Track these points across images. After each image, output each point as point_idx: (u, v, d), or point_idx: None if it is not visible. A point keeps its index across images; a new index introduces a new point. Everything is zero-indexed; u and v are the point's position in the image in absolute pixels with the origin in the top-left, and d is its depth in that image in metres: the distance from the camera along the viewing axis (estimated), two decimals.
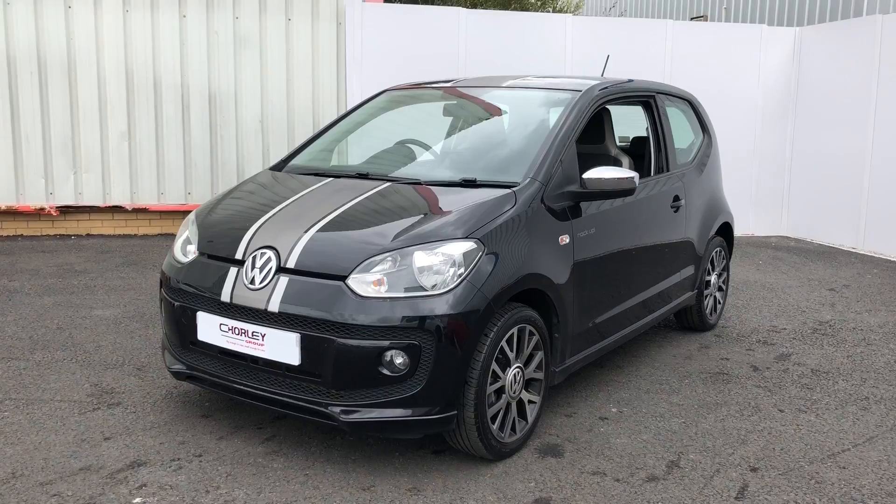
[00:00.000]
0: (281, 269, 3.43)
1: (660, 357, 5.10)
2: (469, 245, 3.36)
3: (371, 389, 3.25)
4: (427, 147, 4.77)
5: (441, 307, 3.22)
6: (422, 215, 3.54)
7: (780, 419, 4.13)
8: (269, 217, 3.73)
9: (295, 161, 4.58)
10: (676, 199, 4.98)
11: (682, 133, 5.48)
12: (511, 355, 3.51)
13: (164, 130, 9.03)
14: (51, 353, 4.84)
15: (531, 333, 3.63)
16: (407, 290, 3.24)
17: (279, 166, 4.55)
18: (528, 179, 3.78)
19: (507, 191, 3.70)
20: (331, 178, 4.14)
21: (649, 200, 4.68)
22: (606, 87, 4.55)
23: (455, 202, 3.65)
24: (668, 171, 5.04)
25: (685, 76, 9.39)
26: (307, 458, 3.53)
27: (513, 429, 3.60)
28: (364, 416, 3.24)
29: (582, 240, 3.93)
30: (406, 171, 4.31)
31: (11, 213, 8.77)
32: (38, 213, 8.81)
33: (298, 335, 3.28)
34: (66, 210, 8.88)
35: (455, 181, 3.89)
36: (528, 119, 4.43)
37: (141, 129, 8.98)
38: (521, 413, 3.68)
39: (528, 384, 3.72)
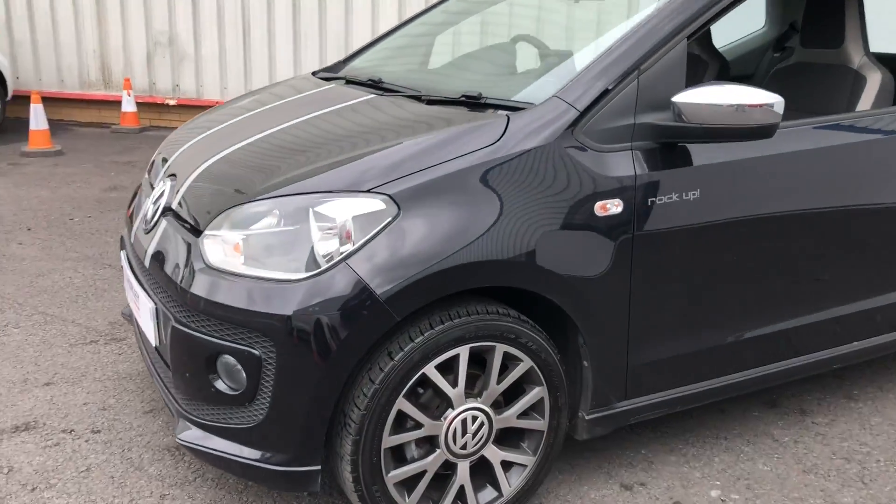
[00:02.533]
0: (168, 209, 2.45)
1: (888, 405, 3.09)
2: (371, 204, 2.03)
3: (208, 406, 2.17)
4: (541, 46, 3.29)
5: (290, 301, 1.98)
6: (358, 147, 2.25)
7: None
8: (209, 133, 2.75)
9: (355, 62, 3.45)
10: None
11: None
12: (450, 391, 2.14)
13: None
14: None
15: (512, 358, 2.19)
16: (262, 265, 2.05)
17: (334, 67, 3.47)
18: (550, 99, 2.23)
19: (497, 116, 2.22)
20: (331, 85, 2.97)
21: (866, 149, 2.67)
22: None
23: (415, 129, 2.29)
24: None
25: None
26: (191, 465, 2.60)
27: (463, 501, 2.25)
28: (194, 440, 2.19)
29: (663, 208, 2.27)
30: (425, 81, 2.95)
31: None
32: None
33: (154, 306, 2.32)
34: None
35: (453, 98, 2.48)
36: (641, 6, 2.72)
37: None
38: (492, 480, 2.30)
39: (510, 436, 2.30)
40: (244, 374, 2.05)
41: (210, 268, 2.11)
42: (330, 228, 2.01)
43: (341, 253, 1.99)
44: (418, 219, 2.02)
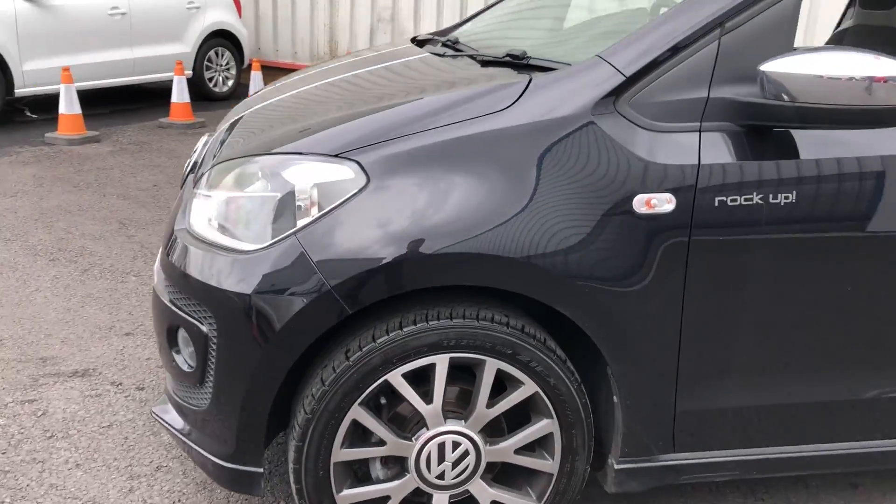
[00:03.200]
0: (195, 166, 2.30)
1: None
2: (338, 171, 1.70)
3: (176, 381, 1.98)
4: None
5: (232, 275, 1.71)
6: (365, 106, 1.92)
7: None
8: (266, 89, 2.56)
9: (466, 26, 3.08)
10: None
11: None
12: (421, 406, 1.75)
13: None
14: None
15: (512, 380, 1.77)
16: (229, 231, 1.81)
17: (445, 31, 3.13)
18: (590, 60, 1.75)
19: (516, 77, 1.79)
20: (408, 45, 2.66)
21: None
22: None
23: (439, 89, 1.91)
24: None
25: None
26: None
27: None
28: (161, 414, 2.03)
29: (738, 211, 1.71)
30: (500, 42, 2.52)
31: None
32: None
33: (159, 268, 2.17)
34: None
35: (499, 58, 2.05)
36: None
37: None
38: None
39: (518, 474, 1.88)
40: (193, 353, 1.82)
41: (187, 230, 1.90)
42: (271, 193, 1.73)
43: (296, 225, 1.69)
44: (390, 194, 1.66)
